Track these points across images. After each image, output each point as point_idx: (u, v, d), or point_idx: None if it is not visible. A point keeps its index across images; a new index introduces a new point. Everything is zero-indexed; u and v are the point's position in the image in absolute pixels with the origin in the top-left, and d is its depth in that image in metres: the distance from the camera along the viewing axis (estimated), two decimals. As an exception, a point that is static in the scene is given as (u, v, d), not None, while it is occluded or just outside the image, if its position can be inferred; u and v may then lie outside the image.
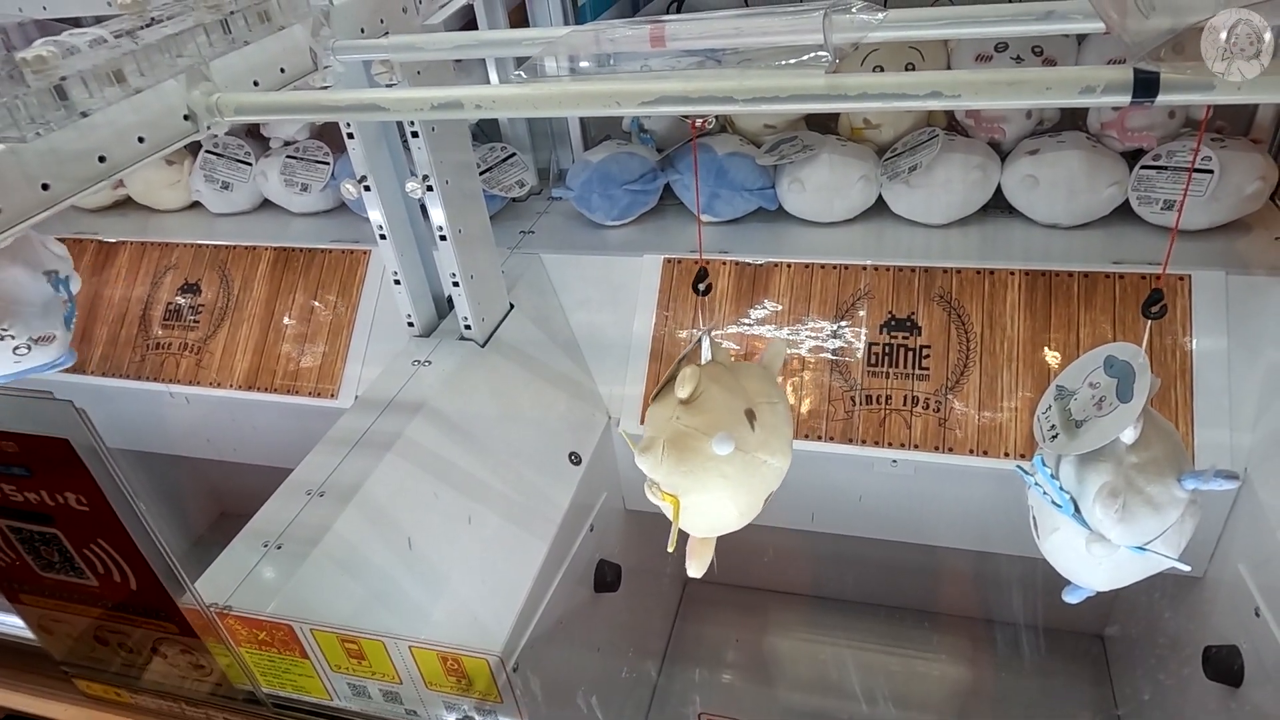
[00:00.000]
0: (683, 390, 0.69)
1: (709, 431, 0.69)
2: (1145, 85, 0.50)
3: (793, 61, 0.55)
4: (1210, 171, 1.13)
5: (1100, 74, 0.50)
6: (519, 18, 1.45)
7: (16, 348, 0.85)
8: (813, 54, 0.55)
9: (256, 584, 0.84)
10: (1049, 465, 0.69)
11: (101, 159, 0.62)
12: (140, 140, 0.64)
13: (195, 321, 1.46)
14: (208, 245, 1.50)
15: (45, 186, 0.58)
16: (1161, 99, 0.49)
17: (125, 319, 1.50)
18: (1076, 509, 0.66)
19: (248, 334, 1.43)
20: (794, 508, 1.29)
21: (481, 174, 1.42)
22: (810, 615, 1.67)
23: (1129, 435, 0.64)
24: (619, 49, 0.68)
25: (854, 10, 0.60)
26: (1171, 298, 1.10)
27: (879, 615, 1.63)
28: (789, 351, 1.21)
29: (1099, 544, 0.65)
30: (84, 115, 0.58)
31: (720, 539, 0.73)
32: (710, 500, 0.70)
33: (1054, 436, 0.69)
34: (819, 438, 1.18)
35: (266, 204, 1.59)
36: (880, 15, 0.62)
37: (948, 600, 1.61)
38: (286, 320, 1.41)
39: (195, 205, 1.62)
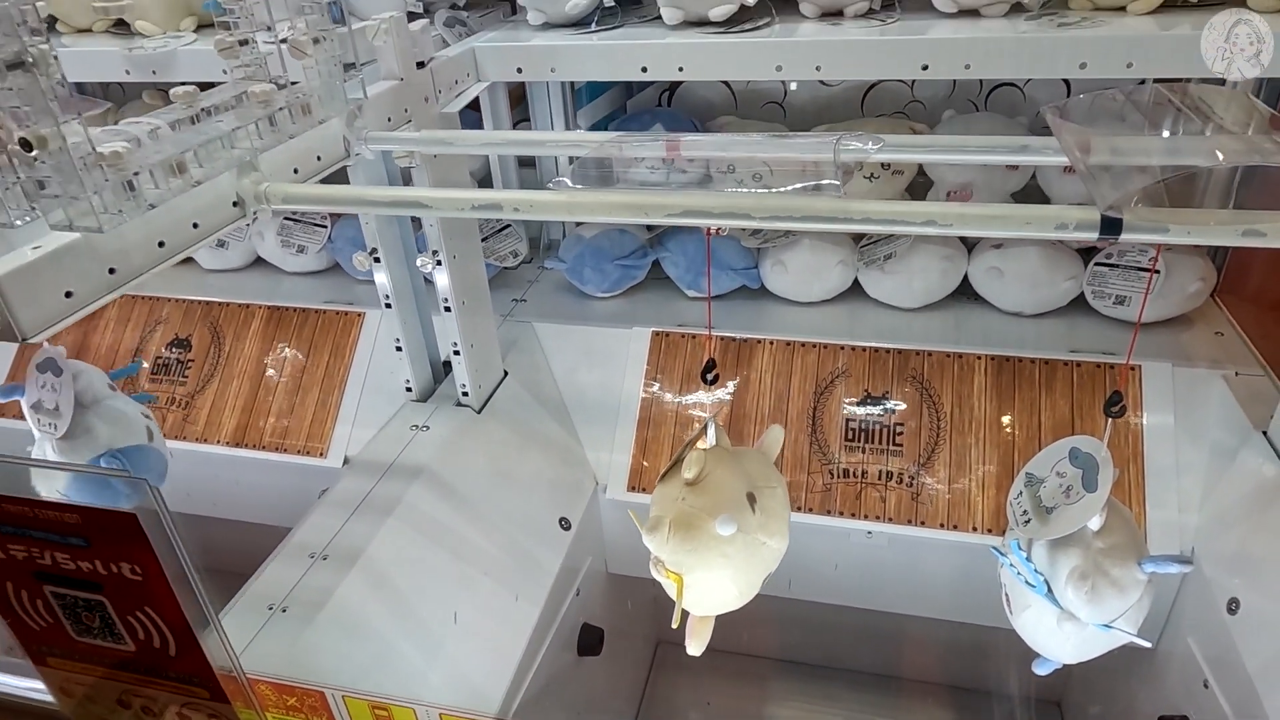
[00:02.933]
0: (689, 471, 0.75)
1: (713, 513, 0.74)
2: (1110, 224, 0.58)
3: (808, 185, 0.62)
4: (1158, 272, 1.24)
5: (1072, 213, 0.58)
6: (518, 95, 1.53)
7: None
8: (820, 181, 0.62)
9: (263, 647, 0.86)
10: (1023, 548, 0.75)
11: (161, 244, 0.66)
12: (195, 226, 0.69)
13: (183, 377, 1.47)
14: (199, 301, 1.52)
15: (112, 270, 0.62)
16: (1124, 238, 0.57)
17: (110, 371, 1.51)
18: (1049, 589, 0.72)
19: (237, 390, 1.44)
20: (773, 574, 1.34)
21: (478, 244, 1.47)
22: (782, 680, 1.71)
23: (1095, 522, 0.71)
24: (639, 154, 0.75)
25: (854, 142, 0.68)
26: (1124, 386, 1.19)
27: (848, 680, 1.68)
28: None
29: (1069, 622, 0.71)
30: (152, 207, 0.63)
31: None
32: (712, 579, 0.75)
33: (1026, 521, 0.76)
34: (798, 508, 1.23)
35: (258, 261, 1.62)
36: (876, 145, 0.69)
37: (916, 667, 1.66)
38: (277, 378, 1.43)
39: (187, 260, 1.64)
